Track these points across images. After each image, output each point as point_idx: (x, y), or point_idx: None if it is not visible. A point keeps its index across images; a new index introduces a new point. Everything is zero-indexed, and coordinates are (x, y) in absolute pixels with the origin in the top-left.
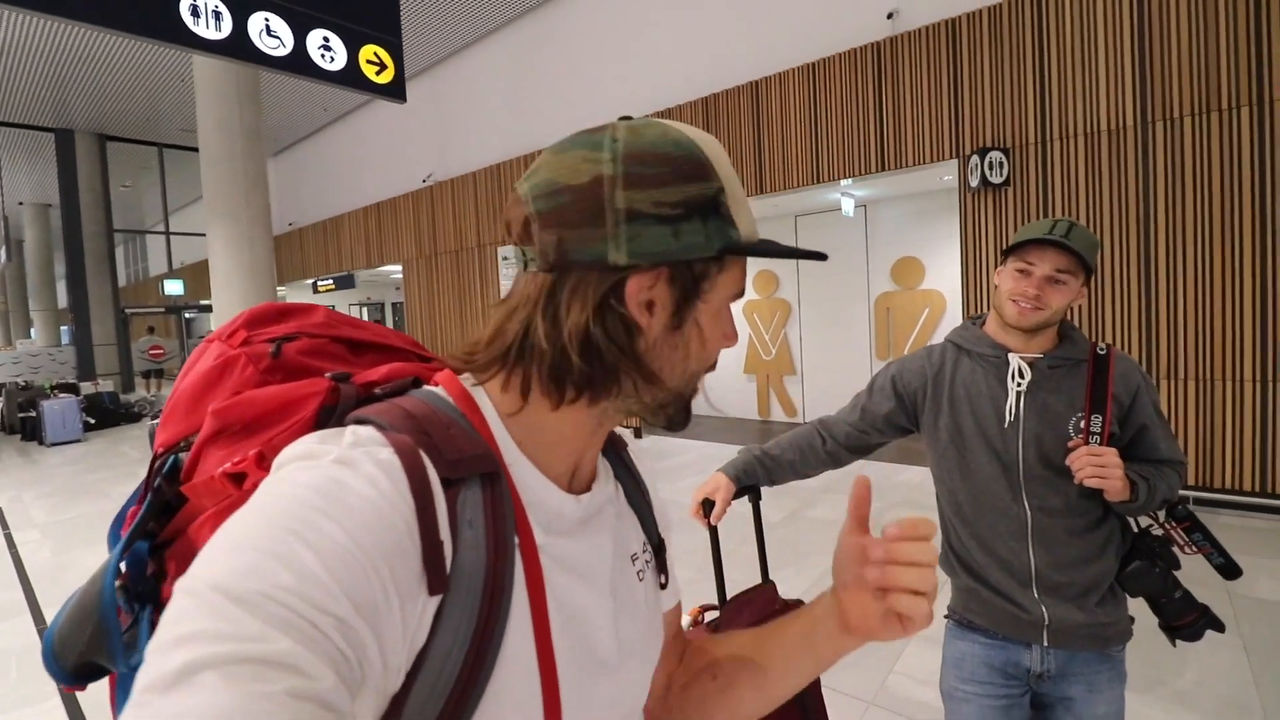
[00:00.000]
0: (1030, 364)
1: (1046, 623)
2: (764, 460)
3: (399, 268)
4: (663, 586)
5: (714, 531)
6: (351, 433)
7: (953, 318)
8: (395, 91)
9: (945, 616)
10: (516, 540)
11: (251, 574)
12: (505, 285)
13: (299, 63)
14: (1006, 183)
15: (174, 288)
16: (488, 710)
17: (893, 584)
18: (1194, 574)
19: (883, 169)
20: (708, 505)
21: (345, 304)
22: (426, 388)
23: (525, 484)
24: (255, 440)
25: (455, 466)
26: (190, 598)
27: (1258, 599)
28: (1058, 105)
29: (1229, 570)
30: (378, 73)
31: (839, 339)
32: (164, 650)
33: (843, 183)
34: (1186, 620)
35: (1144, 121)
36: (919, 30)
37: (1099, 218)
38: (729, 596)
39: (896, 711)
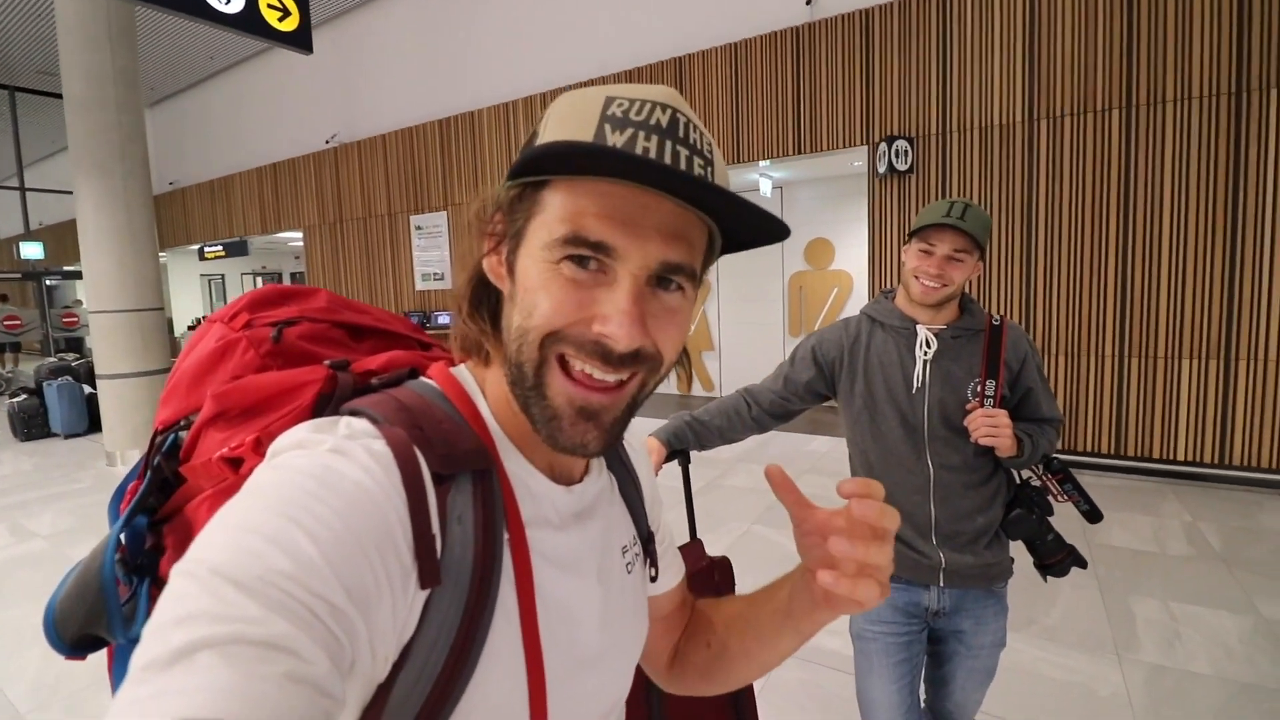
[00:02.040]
0: (935, 335)
1: (943, 566)
2: (693, 425)
3: (299, 235)
4: (653, 579)
5: None
6: (345, 424)
7: (859, 297)
8: (300, 41)
9: None
10: (506, 536)
11: (251, 558)
12: (420, 256)
13: (190, 1)
14: (911, 170)
15: (32, 251)
16: (472, 702)
17: (850, 558)
18: (1061, 523)
19: (800, 152)
20: None
21: (237, 273)
22: (421, 379)
23: (517, 477)
24: (253, 425)
25: (447, 462)
26: (190, 580)
27: (1111, 546)
28: (957, 100)
29: (1093, 515)
30: (280, 19)
31: (755, 316)
32: (164, 630)
33: (761, 164)
34: (1057, 559)
35: (1030, 119)
36: (835, 18)
37: (990, 205)
38: None
39: (808, 660)
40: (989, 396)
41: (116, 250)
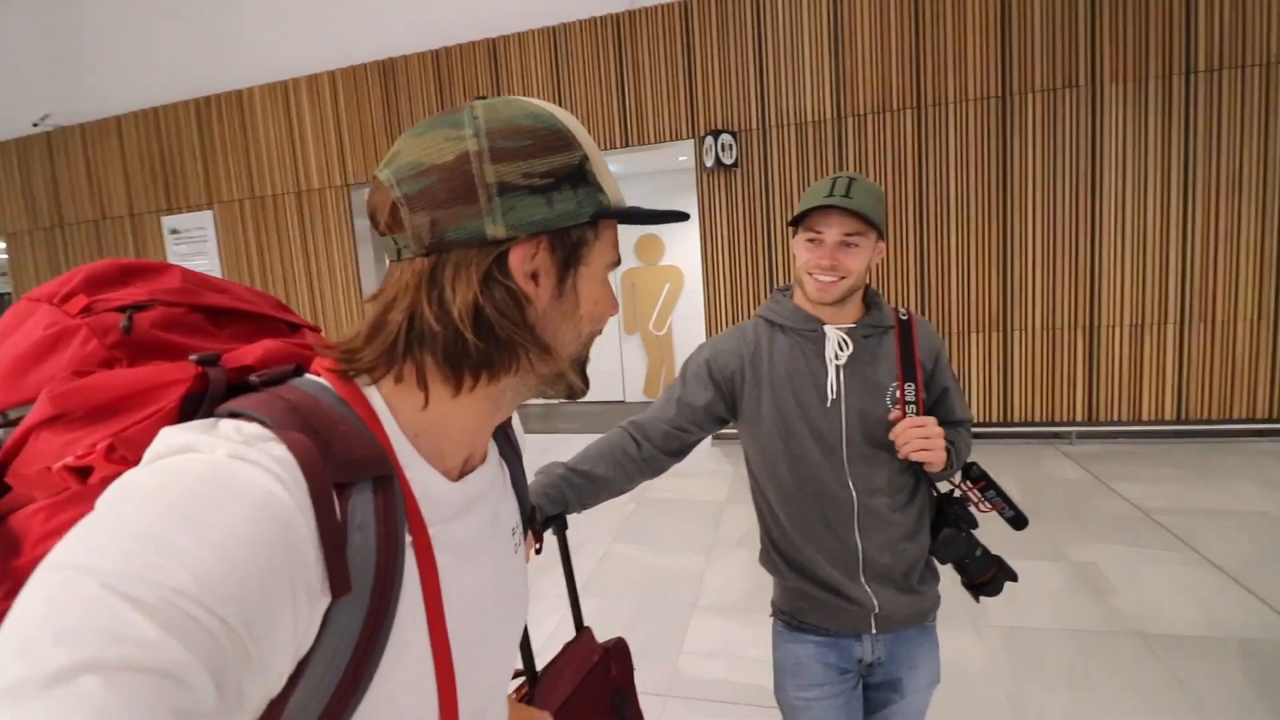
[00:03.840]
0: (847, 335)
1: (876, 610)
2: (570, 480)
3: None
4: (538, 551)
5: None
6: (234, 427)
7: (691, 292)
8: None
9: (773, 617)
10: (410, 539)
11: (148, 570)
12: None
13: None
14: (736, 164)
15: None
16: (377, 702)
17: None
18: None
19: (626, 145)
20: None
21: None
22: (309, 377)
23: (417, 480)
24: (102, 429)
25: (346, 468)
26: (70, 589)
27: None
28: (774, 96)
29: (1019, 521)
30: None
31: None
32: (37, 645)
33: None
34: (989, 576)
35: (839, 117)
36: (655, 8)
37: None
38: (539, 667)
39: (694, 697)
40: (911, 402)
41: None
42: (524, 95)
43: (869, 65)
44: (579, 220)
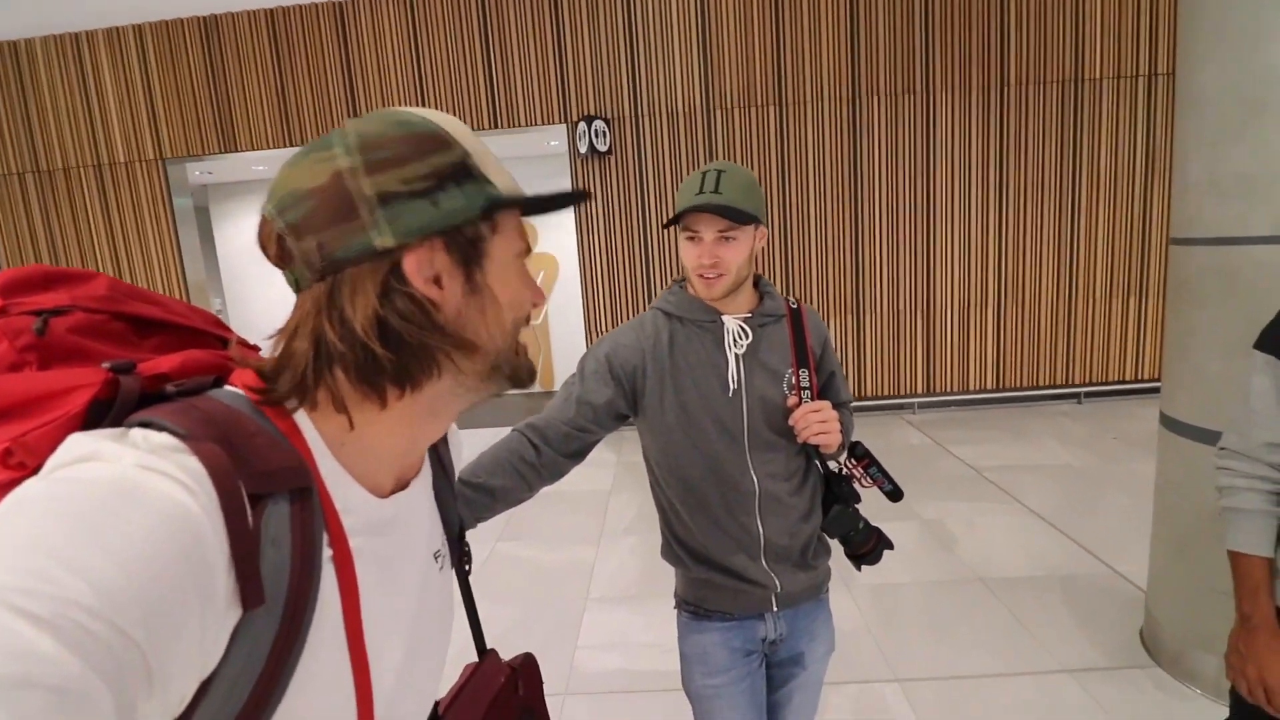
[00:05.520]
0: (745, 324)
1: (777, 590)
2: (463, 495)
3: None
4: (467, 574)
5: None
6: (141, 436)
7: (567, 281)
8: None
9: (676, 608)
10: (329, 553)
11: (45, 584)
12: None
13: None
14: (610, 151)
15: None
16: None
17: None
18: None
19: (494, 126)
20: None
21: None
22: (228, 388)
23: (339, 493)
24: (1, 433)
25: (261, 480)
26: None
27: None
28: (646, 85)
29: (896, 494)
30: None
31: None
32: None
33: None
34: (869, 547)
35: (708, 109)
36: None
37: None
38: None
39: (594, 691)
40: (805, 388)
41: None
42: (378, 68)
43: (734, 62)
44: (469, 216)
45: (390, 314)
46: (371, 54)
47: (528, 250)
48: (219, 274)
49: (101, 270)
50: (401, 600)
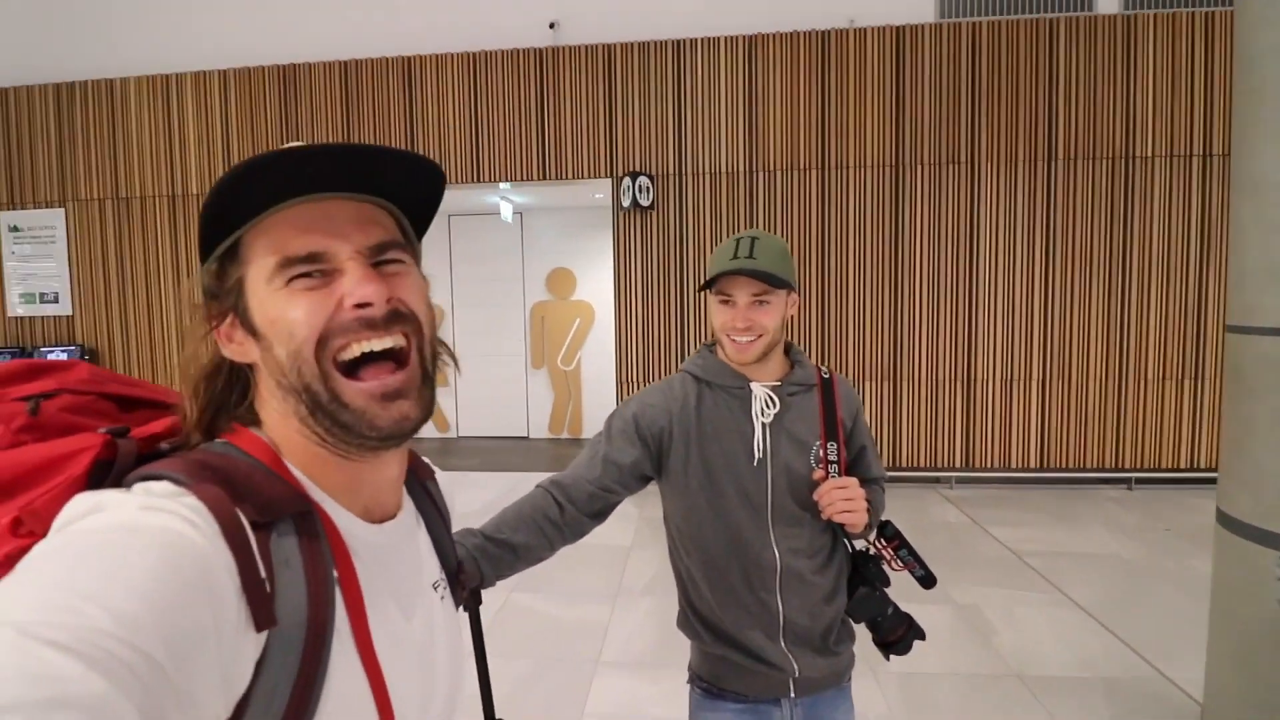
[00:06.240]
0: (774, 393)
1: (795, 674)
2: (487, 550)
3: None
4: (466, 608)
5: None
6: (144, 489)
7: (601, 328)
8: None
9: (689, 683)
10: (336, 575)
11: (66, 615)
12: (19, 269)
13: None
14: (653, 206)
15: None
16: None
17: None
18: None
19: (543, 178)
20: None
21: None
22: (217, 441)
23: (336, 519)
24: (8, 505)
25: (264, 509)
26: None
27: None
28: (691, 144)
29: (928, 580)
30: None
31: (493, 347)
32: None
33: (501, 185)
34: (900, 635)
35: (750, 170)
36: (579, 47)
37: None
38: None
39: None
40: (833, 461)
41: None
42: (438, 119)
43: (779, 126)
44: (203, 251)
45: (212, 373)
46: (434, 106)
47: (287, 261)
48: None
49: (164, 293)
50: (406, 626)
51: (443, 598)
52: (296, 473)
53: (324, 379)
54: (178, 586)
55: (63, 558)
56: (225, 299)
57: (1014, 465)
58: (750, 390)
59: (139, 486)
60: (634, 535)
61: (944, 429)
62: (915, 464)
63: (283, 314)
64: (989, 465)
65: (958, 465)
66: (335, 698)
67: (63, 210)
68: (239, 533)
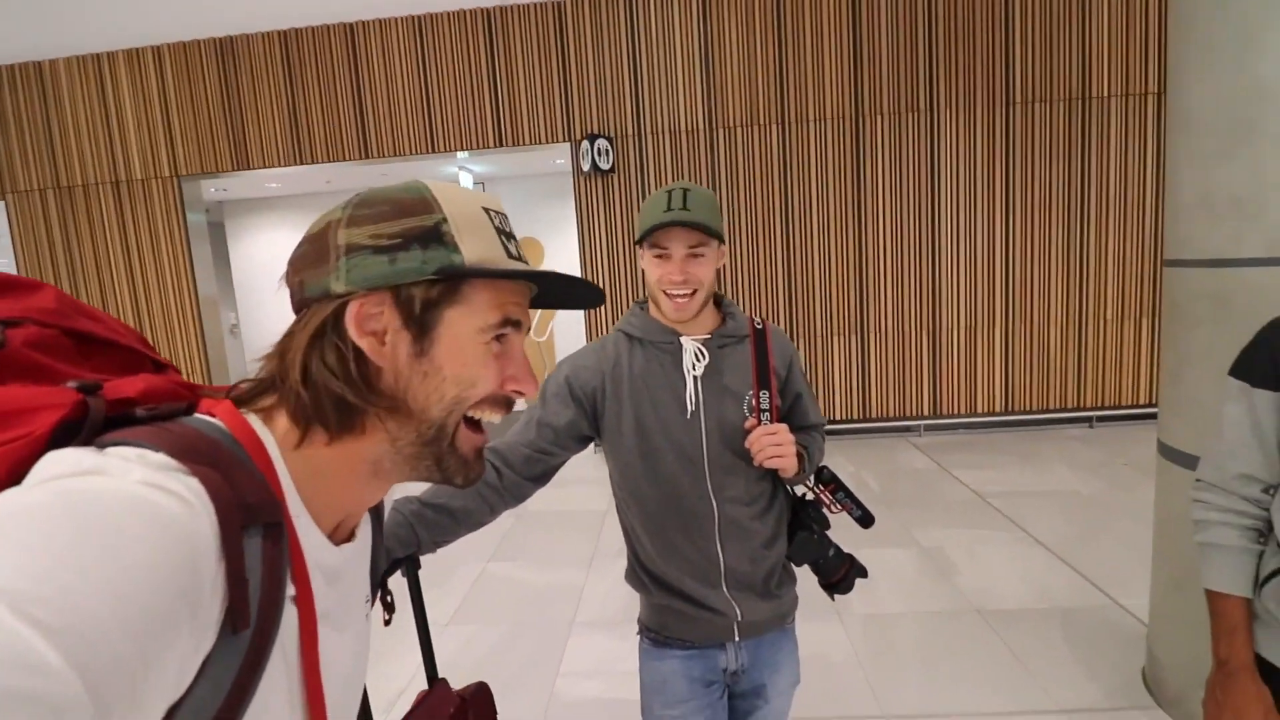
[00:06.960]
0: (704, 346)
1: (738, 618)
2: (424, 516)
3: None
4: (386, 622)
5: None
6: (138, 455)
7: None
8: None
9: (639, 634)
10: (292, 592)
11: (58, 593)
12: None
13: None
14: (613, 169)
15: None
16: None
17: None
18: None
19: (500, 145)
20: None
21: None
22: (200, 416)
23: (303, 534)
24: None
25: (245, 512)
26: None
27: None
28: (649, 104)
29: (865, 520)
30: None
31: None
32: None
33: (459, 155)
34: (841, 575)
35: (710, 127)
36: (528, 5)
37: None
38: None
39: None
40: (765, 410)
41: None
42: (386, 87)
43: (737, 80)
44: (421, 277)
45: (314, 357)
46: (381, 73)
47: (502, 324)
48: (232, 289)
49: (117, 283)
50: (342, 647)
51: (368, 613)
52: (282, 472)
53: (455, 426)
54: (169, 577)
55: (63, 525)
56: (409, 311)
57: (980, 410)
58: (680, 344)
59: (130, 451)
60: (609, 500)
61: (912, 379)
62: (885, 414)
63: (480, 364)
64: (956, 411)
65: (926, 414)
66: (265, 711)
67: (2, 203)
68: (235, 530)
